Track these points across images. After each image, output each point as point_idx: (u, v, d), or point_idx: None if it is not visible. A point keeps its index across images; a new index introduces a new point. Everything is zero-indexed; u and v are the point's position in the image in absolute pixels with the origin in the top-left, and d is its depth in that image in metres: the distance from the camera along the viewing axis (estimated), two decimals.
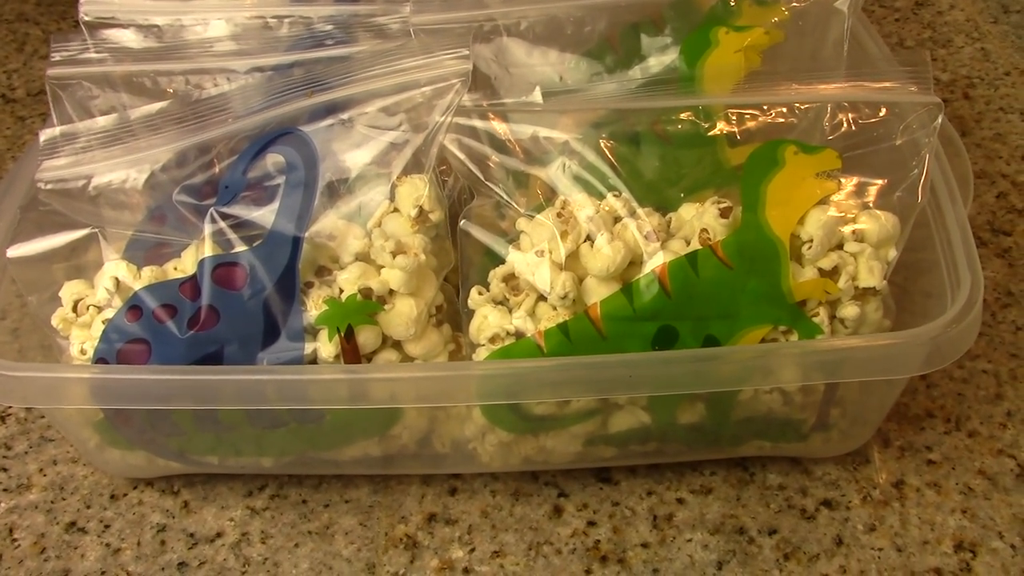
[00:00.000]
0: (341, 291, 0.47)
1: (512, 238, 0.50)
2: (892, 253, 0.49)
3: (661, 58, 0.56)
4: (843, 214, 0.48)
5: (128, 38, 0.60)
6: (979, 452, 0.54)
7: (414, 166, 0.49)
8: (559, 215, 0.48)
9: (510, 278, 0.49)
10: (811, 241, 0.47)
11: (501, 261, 0.49)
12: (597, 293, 0.47)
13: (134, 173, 0.52)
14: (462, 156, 0.50)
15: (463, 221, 0.50)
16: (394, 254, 0.46)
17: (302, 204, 0.47)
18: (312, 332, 0.47)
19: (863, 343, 0.46)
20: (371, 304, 0.46)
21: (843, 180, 0.49)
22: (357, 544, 0.52)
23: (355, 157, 0.49)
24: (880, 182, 0.49)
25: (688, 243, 0.48)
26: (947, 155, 0.53)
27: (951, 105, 0.76)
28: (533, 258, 0.48)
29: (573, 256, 0.48)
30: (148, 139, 0.52)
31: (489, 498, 0.54)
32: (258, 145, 0.49)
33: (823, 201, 0.48)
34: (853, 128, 0.50)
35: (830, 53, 0.57)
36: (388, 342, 0.48)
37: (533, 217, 0.49)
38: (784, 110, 0.51)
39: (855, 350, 0.46)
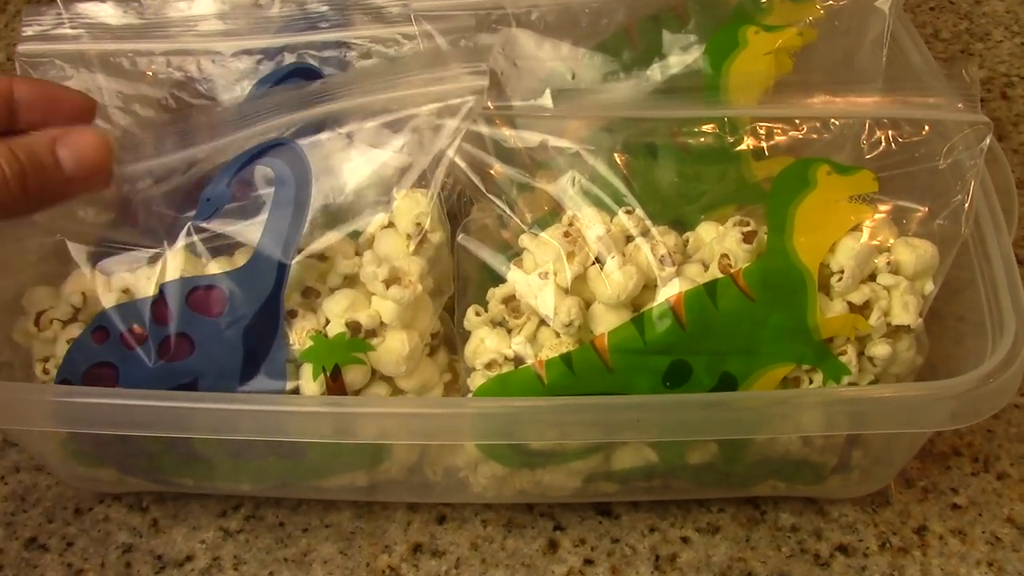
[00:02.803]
0: (327, 321, 0.43)
1: (515, 252, 0.46)
2: (929, 287, 0.45)
3: (683, 57, 0.51)
4: (878, 242, 0.44)
5: (106, 13, 0.55)
6: (1008, 497, 0.50)
7: (417, 184, 0.45)
8: (566, 234, 0.44)
9: (510, 299, 0.45)
10: (842, 272, 0.43)
11: (501, 279, 0.45)
12: (605, 321, 0.43)
13: None
14: (463, 164, 0.46)
15: (461, 235, 0.45)
16: (388, 283, 0.42)
17: (291, 225, 0.42)
18: (296, 365, 0.43)
19: (890, 394, 0.42)
20: (360, 343, 0.42)
21: (879, 204, 0.45)
22: (336, 575, 0.48)
23: (353, 178, 0.44)
24: (920, 208, 0.45)
25: (706, 267, 0.44)
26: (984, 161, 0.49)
27: (988, 105, 0.71)
28: (536, 280, 0.43)
29: (580, 279, 0.44)
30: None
31: (480, 528, 0.50)
32: (247, 155, 0.44)
33: (856, 228, 0.44)
34: (892, 147, 0.46)
35: (867, 57, 0.52)
36: (378, 374, 0.44)
37: (537, 235, 0.44)
38: (817, 124, 0.46)
39: (880, 402, 0.42)
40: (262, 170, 0.44)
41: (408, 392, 0.44)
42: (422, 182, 0.44)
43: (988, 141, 0.45)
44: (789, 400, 0.42)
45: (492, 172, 0.46)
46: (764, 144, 0.46)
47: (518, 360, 0.44)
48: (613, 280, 0.42)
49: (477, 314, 0.45)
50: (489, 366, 0.44)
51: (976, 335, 0.45)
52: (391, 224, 0.44)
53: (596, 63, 0.52)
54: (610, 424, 0.42)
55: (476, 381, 0.45)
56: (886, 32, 0.52)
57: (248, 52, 0.54)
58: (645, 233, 0.44)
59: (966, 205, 0.45)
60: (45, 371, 0.44)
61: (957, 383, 0.41)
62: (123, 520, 0.51)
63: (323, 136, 0.44)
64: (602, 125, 0.49)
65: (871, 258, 0.44)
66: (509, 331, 0.45)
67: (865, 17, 0.52)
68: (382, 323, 0.42)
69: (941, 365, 0.47)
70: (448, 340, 0.47)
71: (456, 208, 0.52)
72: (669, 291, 0.43)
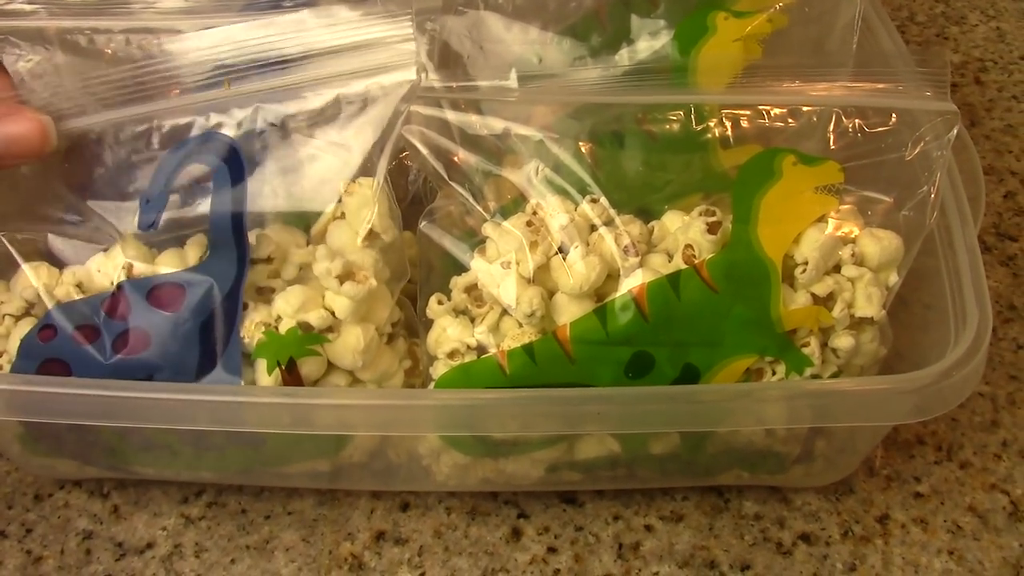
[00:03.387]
0: (279, 317, 0.42)
1: (479, 240, 0.45)
2: (893, 278, 0.44)
3: (652, 43, 0.50)
4: (842, 234, 0.44)
5: None
6: (970, 486, 0.51)
7: (365, 171, 0.44)
8: (529, 223, 0.43)
9: (473, 288, 0.44)
10: (806, 264, 0.43)
11: (465, 267, 0.45)
12: (568, 311, 0.43)
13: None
14: (425, 151, 0.45)
15: (423, 223, 0.45)
16: (341, 279, 0.41)
17: (237, 223, 0.42)
18: (252, 362, 0.42)
19: (853, 387, 0.42)
20: (314, 336, 0.41)
21: (845, 195, 0.44)
22: (298, 563, 0.48)
23: (295, 171, 0.43)
24: (886, 199, 0.45)
25: (671, 257, 0.44)
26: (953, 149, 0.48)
27: (961, 90, 0.71)
28: (499, 269, 0.43)
29: (543, 268, 0.43)
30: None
31: (443, 516, 0.50)
32: (179, 154, 0.43)
33: (821, 219, 0.44)
34: (859, 137, 0.46)
35: (838, 44, 0.52)
36: (335, 365, 0.43)
37: (500, 224, 0.44)
38: (785, 112, 0.46)
39: (843, 395, 0.42)
40: (199, 168, 0.43)
41: (367, 382, 0.44)
42: (369, 168, 0.43)
43: (956, 131, 0.45)
44: (752, 393, 0.42)
45: (456, 160, 0.45)
46: (731, 132, 0.46)
47: (481, 349, 0.44)
48: (576, 270, 0.42)
49: (440, 303, 0.45)
50: (451, 355, 0.44)
51: (943, 324, 0.44)
52: (342, 215, 0.43)
53: (564, 47, 0.51)
54: (572, 416, 0.41)
55: (439, 370, 0.44)
56: (857, 18, 0.51)
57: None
58: (609, 222, 0.44)
59: (932, 196, 0.44)
60: None
61: (919, 376, 0.41)
62: (83, 507, 0.50)
63: (258, 127, 0.43)
64: (568, 111, 0.48)
65: (836, 249, 0.44)
66: (472, 320, 0.44)
67: (836, 3, 0.51)
68: (336, 319, 0.42)
69: (908, 353, 0.46)
70: (409, 325, 0.46)
71: (422, 192, 0.51)
72: (632, 282, 0.42)
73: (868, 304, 0.43)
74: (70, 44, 0.53)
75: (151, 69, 0.50)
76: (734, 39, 0.49)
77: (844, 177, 0.44)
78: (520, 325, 0.43)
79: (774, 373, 0.43)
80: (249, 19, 0.53)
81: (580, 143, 0.46)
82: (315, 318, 0.41)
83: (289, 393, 0.42)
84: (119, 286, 0.42)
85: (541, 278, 0.43)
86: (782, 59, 0.50)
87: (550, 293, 0.43)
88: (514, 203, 0.45)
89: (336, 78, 0.44)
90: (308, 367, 0.42)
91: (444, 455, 0.47)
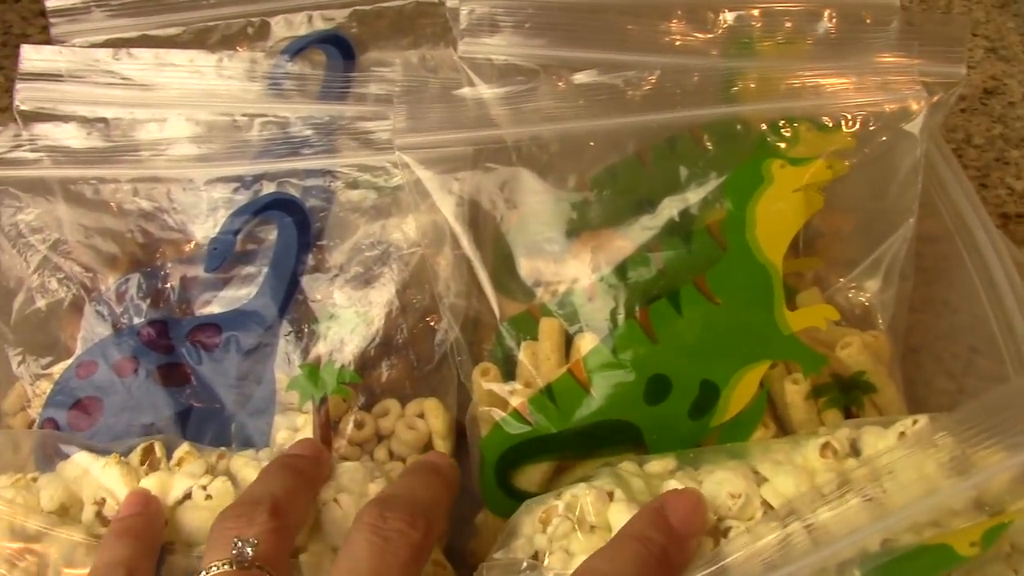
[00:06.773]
0: None
1: None
2: None
3: (700, 192, 0.46)
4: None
5: (69, 135, 0.50)
6: None
7: None
8: None
9: None
10: None
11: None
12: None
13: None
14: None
15: None
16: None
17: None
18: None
19: None
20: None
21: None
22: None
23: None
24: None
25: None
26: None
27: None
28: None
29: None
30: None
31: None
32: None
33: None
34: None
35: (902, 188, 0.47)
36: None
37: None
38: None
39: None
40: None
41: None
42: None
43: None
44: None
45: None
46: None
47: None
48: None
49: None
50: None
51: None
52: None
53: (604, 198, 0.47)
54: None
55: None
56: (919, 158, 0.47)
57: (223, 180, 0.49)
58: None
59: None
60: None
61: None
62: None
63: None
64: (612, 264, 0.45)
65: None
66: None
67: (894, 142, 0.47)
68: None
69: None
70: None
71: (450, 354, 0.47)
72: None
73: None
74: (74, 194, 0.50)
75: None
76: (794, 189, 0.44)
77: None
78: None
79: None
80: (264, 165, 0.50)
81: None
82: None
83: None
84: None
85: None
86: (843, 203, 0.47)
87: None
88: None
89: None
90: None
91: None
